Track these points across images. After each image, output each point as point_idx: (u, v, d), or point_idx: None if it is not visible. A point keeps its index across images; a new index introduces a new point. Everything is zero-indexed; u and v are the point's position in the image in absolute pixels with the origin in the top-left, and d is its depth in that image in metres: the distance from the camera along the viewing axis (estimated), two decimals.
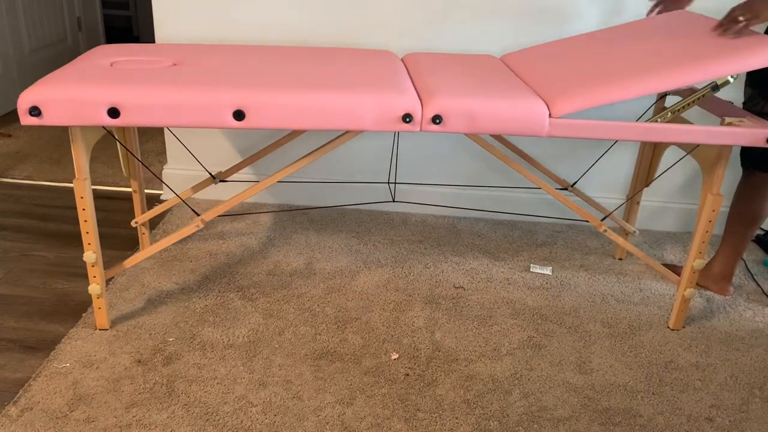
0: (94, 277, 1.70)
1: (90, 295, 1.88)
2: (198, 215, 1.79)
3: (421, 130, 1.56)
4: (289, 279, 2.03)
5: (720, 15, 1.67)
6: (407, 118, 1.53)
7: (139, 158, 1.98)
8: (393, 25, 2.26)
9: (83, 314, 1.81)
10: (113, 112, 1.47)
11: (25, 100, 1.45)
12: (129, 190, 2.58)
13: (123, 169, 1.99)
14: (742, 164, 1.94)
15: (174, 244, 2.18)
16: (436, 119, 1.55)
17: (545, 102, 1.59)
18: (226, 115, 1.50)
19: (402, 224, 2.44)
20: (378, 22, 2.26)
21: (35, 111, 1.45)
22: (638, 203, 2.19)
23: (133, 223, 2.09)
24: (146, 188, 2.60)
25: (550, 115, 1.57)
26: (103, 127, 1.65)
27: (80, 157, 1.58)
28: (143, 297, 1.90)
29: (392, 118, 1.54)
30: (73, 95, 1.46)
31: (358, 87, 1.58)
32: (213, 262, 2.10)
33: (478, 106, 1.55)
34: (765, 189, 1.91)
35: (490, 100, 1.57)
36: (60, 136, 3.12)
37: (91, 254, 1.67)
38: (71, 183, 2.62)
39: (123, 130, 1.90)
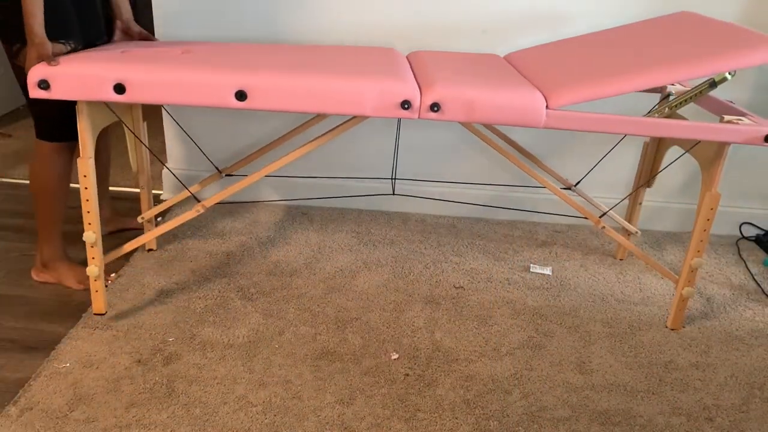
0: (93, 258, 1.71)
1: (89, 296, 1.88)
2: (199, 201, 1.81)
3: (419, 117, 1.58)
4: (289, 279, 2.03)
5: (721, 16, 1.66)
6: (406, 104, 1.55)
7: (147, 145, 2.02)
8: (398, 27, 2.26)
9: (83, 314, 1.81)
10: (119, 88, 1.51)
11: (35, 74, 1.50)
12: (132, 190, 2.59)
13: (132, 164, 2.01)
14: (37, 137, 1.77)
15: (174, 244, 2.18)
16: (434, 107, 1.56)
17: (543, 94, 1.61)
18: (229, 95, 1.53)
19: (402, 224, 2.44)
20: (383, 24, 2.25)
21: (44, 84, 1.51)
22: (640, 203, 2.19)
23: (139, 219, 2.11)
24: None
25: (547, 106, 1.59)
26: (114, 113, 1.71)
27: (86, 135, 1.61)
28: (143, 297, 1.90)
29: (391, 105, 1.56)
30: (81, 71, 1.51)
31: (359, 73, 1.61)
32: (213, 262, 2.10)
33: (476, 95, 1.57)
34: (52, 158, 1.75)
35: (488, 90, 1.58)
36: None
37: (91, 234, 1.67)
38: (71, 183, 2.62)
39: (132, 124, 1.94)
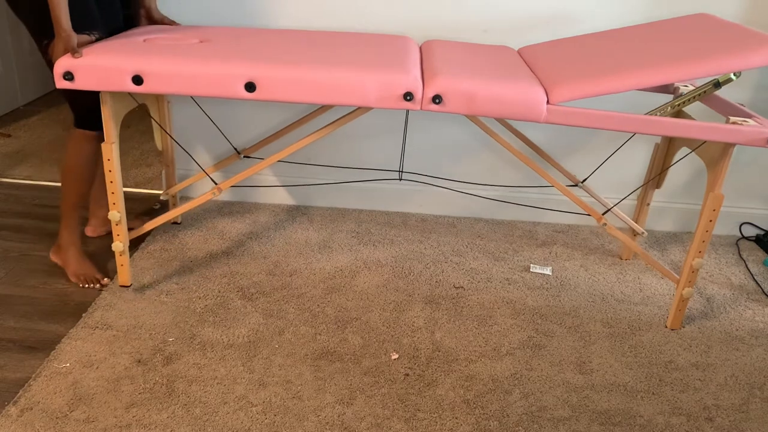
0: (118, 235, 1.84)
1: (89, 296, 1.89)
2: (216, 184, 1.89)
3: (421, 108, 1.62)
4: (289, 279, 2.03)
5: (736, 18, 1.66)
6: (408, 96, 1.59)
7: (171, 134, 2.15)
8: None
9: (83, 314, 1.81)
10: (137, 80, 1.60)
11: (61, 66, 1.59)
12: (131, 190, 2.60)
13: (157, 143, 2.14)
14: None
15: (174, 244, 2.18)
16: (436, 99, 1.60)
17: (545, 89, 1.62)
18: (239, 86, 1.61)
19: (402, 224, 2.44)
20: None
21: (68, 75, 1.60)
22: (648, 204, 2.18)
23: (162, 196, 2.26)
24: (146, 188, 2.61)
25: (548, 101, 1.60)
26: (134, 99, 1.81)
27: (109, 122, 1.72)
28: (143, 297, 1.90)
29: (394, 96, 1.60)
30: (102, 63, 1.60)
31: (363, 65, 1.64)
32: (213, 262, 2.10)
33: (477, 88, 1.59)
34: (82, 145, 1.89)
35: (489, 83, 1.61)
36: (60, 135, 3.12)
37: (115, 213, 1.80)
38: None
39: (158, 105, 2.06)
